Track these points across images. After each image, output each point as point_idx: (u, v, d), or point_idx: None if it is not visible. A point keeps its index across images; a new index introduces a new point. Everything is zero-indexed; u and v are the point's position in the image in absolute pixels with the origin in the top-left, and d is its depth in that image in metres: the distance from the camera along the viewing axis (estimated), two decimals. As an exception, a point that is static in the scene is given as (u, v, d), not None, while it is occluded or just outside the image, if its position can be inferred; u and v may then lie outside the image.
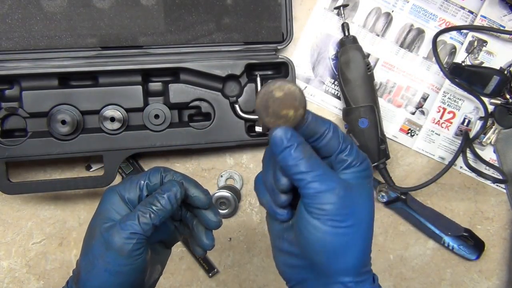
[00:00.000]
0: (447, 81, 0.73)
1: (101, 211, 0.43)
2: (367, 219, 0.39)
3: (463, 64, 0.72)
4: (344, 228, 0.37)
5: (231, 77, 0.68)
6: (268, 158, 0.41)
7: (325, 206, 0.36)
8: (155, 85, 0.68)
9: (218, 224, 0.47)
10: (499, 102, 0.73)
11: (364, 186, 0.39)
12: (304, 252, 0.39)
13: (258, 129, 0.69)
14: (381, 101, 0.73)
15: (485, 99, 0.73)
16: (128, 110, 0.66)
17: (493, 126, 0.74)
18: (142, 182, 0.44)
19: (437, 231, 0.74)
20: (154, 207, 0.41)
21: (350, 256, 0.38)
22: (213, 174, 0.73)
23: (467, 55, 0.73)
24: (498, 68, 0.73)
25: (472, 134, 0.74)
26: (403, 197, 0.73)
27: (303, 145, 0.37)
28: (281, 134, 0.36)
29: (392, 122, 0.75)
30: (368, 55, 0.73)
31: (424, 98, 0.75)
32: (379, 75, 0.74)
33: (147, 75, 0.68)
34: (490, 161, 0.75)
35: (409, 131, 0.75)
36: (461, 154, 0.72)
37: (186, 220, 0.48)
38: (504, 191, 0.76)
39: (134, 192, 0.44)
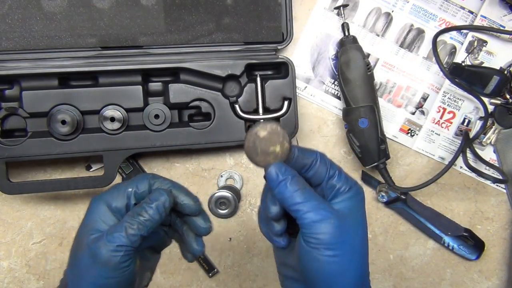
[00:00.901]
0: (447, 81, 0.73)
1: (88, 221, 0.42)
2: (362, 245, 0.40)
3: (463, 64, 0.72)
4: (340, 257, 0.38)
5: (231, 77, 0.68)
6: (265, 193, 0.43)
7: (320, 236, 0.38)
8: (155, 85, 0.68)
9: (208, 230, 0.46)
10: (499, 102, 0.73)
11: (357, 213, 0.41)
12: (305, 278, 0.41)
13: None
14: (381, 101, 0.73)
15: (485, 99, 0.73)
16: (128, 110, 0.66)
17: (493, 126, 0.74)
18: (130, 190, 0.43)
19: (437, 231, 0.74)
20: (141, 218, 0.40)
21: (347, 283, 0.39)
22: (213, 174, 0.73)
23: (467, 55, 0.73)
24: (498, 68, 0.73)
25: (472, 134, 0.74)
26: (403, 197, 0.73)
27: (297, 177, 0.39)
28: (275, 170, 0.39)
29: (392, 122, 0.75)
30: (368, 55, 0.73)
31: (424, 98, 0.74)
32: (379, 75, 0.74)
33: (147, 75, 0.68)
34: (490, 161, 0.75)
35: (409, 131, 0.75)
36: (461, 154, 0.72)
37: (176, 226, 0.48)
38: (504, 191, 0.76)
39: (121, 200, 0.42)
